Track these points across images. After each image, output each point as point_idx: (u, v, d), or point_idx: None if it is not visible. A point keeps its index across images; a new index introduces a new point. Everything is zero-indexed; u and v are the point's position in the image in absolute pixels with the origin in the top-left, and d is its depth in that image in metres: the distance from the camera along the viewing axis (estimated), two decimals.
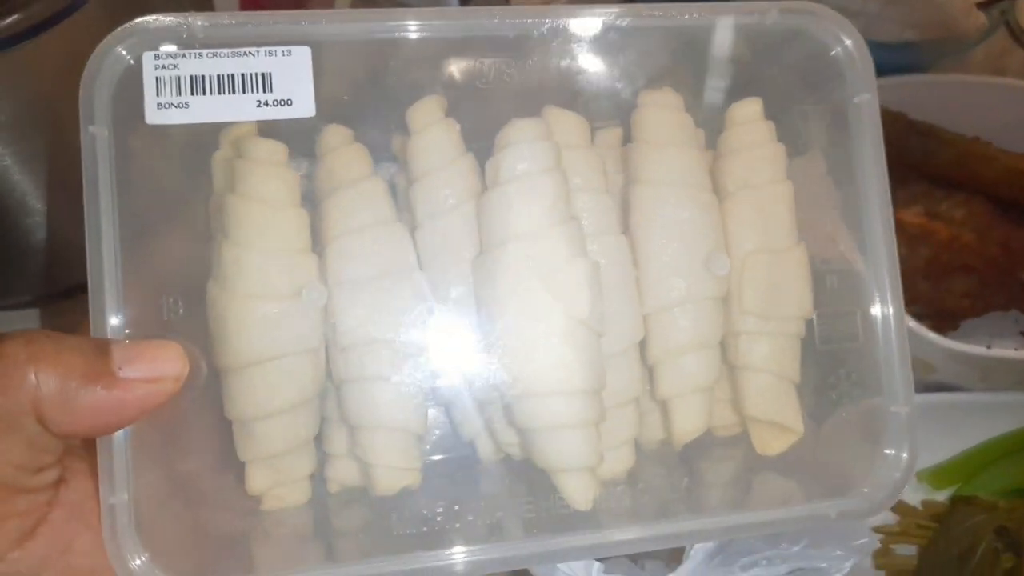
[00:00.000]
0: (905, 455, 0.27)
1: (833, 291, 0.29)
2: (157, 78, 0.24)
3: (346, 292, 0.27)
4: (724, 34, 0.28)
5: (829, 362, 0.29)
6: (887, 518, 0.44)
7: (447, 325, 0.28)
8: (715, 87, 0.31)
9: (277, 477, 0.28)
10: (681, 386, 0.29)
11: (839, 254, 0.29)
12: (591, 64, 0.30)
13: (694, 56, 0.30)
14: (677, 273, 0.29)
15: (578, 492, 0.26)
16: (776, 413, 0.30)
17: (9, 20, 0.32)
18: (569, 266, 0.26)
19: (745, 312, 0.30)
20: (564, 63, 0.29)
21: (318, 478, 0.30)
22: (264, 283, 0.26)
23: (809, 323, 0.30)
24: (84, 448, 0.24)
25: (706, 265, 0.28)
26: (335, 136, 0.29)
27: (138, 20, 0.24)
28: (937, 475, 0.47)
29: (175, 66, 0.24)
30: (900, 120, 0.50)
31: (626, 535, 0.26)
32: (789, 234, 0.30)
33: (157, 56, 0.24)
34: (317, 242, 0.28)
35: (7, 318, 0.43)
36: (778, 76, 0.30)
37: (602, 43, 0.29)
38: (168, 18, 0.24)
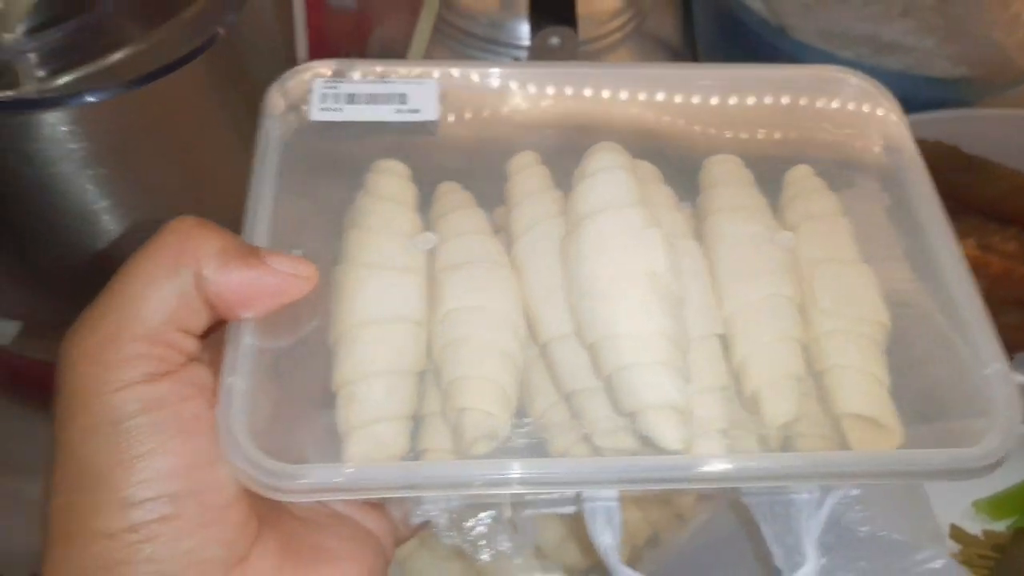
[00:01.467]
0: (1007, 411, 0.27)
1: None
2: (322, 94, 0.32)
3: (448, 274, 0.31)
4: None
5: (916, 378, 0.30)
6: (950, 547, 0.39)
7: (538, 303, 0.30)
8: (768, 146, 0.36)
9: (373, 449, 0.29)
10: (770, 374, 0.30)
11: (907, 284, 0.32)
12: (662, 127, 0.36)
13: (747, 118, 0.36)
14: (753, 277, 0.32)
15: (668, 429, 0.26)
16: (870, 408, 0.29)
17: (110, 62, 0.36)
18: (645, 231, 0.29)
19: (822, 312, 0.31)
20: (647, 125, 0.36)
21: None
22: (379, 255, 0.30)
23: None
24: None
25: (772, 240, 0.31)
26: (448, 186, 0.35)
27: (312, 62, 0.33)
28: (994, 505, 0.44)
29: (336, 87, 0.32)
30: (952, 154, 0.51)
31: (714, 466, 0.25)
32: (850, 251, 0.33)
33: (325, 82, 0.32)
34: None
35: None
36: (823, 135, 0.35)
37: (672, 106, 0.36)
38: (334, 61, 0.33)
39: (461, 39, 0.54)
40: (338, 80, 0.32)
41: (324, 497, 0.26)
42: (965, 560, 0.43)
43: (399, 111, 0.32)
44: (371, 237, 0.31)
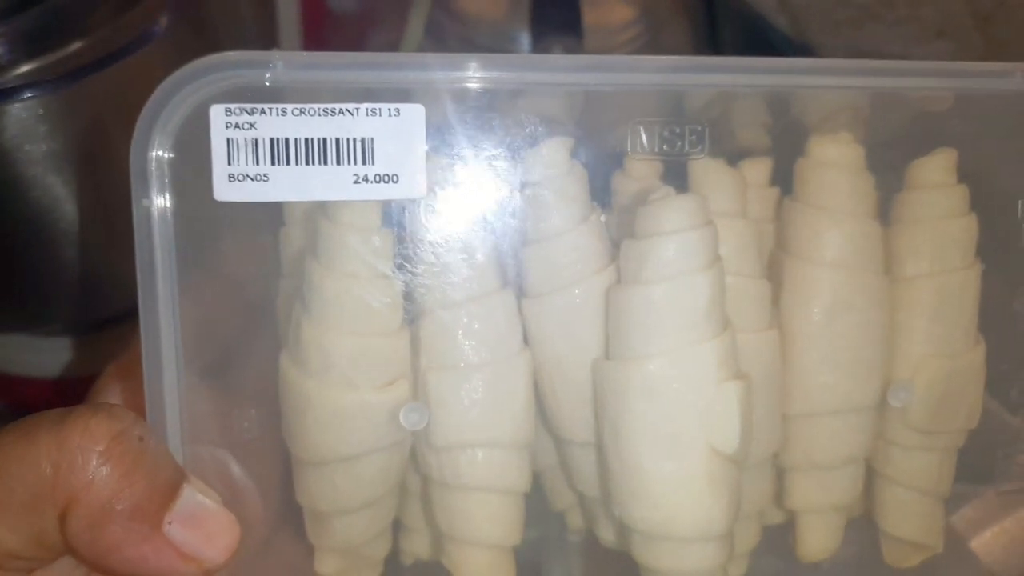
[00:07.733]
0: None
1: None
2: (229, 140, 0.19)
3: (442, 382, 0.23)
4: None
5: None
6: None
7: (555, 397, 0.24)
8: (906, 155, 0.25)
9: (351, 562, 0.25)
10: (818, 501, 0.25)
11: None
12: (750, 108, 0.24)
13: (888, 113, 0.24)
14: (831, 375, 0.24)
15: None
16: (917, 534, 0.26)
17: (74, 48, 0.32)
18: (720, 391, 0.21)
19: (908, 426, 0.25)
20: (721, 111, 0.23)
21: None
22: (352, 374, 0.22)
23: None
24: None
25: (883, 392, 0.24)
26: None
27: (205, 59, 0.18)
28: None
29: (252, 124, 0.19)
30: None
31: None
32: (969, 331, 0.25)
33: (229, 111, 0.19)
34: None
35: (38, 344, 0.42)
36: (992, 151, 0.24)
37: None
38: (243, 57, 0.19)
39: (457, 47, 0.46)
40: (254, 109, 0.19)
41: None
42: None
43: (361, 179, 0.19)
44: (333, 341, 0.22)
